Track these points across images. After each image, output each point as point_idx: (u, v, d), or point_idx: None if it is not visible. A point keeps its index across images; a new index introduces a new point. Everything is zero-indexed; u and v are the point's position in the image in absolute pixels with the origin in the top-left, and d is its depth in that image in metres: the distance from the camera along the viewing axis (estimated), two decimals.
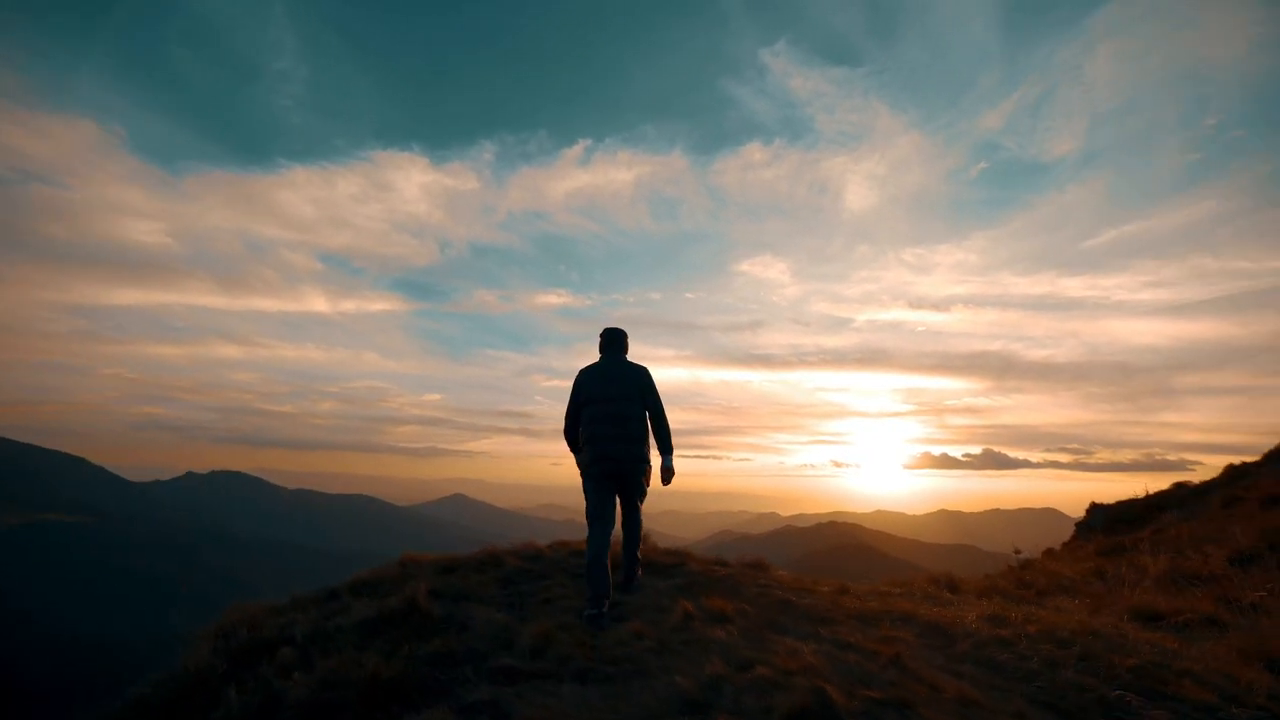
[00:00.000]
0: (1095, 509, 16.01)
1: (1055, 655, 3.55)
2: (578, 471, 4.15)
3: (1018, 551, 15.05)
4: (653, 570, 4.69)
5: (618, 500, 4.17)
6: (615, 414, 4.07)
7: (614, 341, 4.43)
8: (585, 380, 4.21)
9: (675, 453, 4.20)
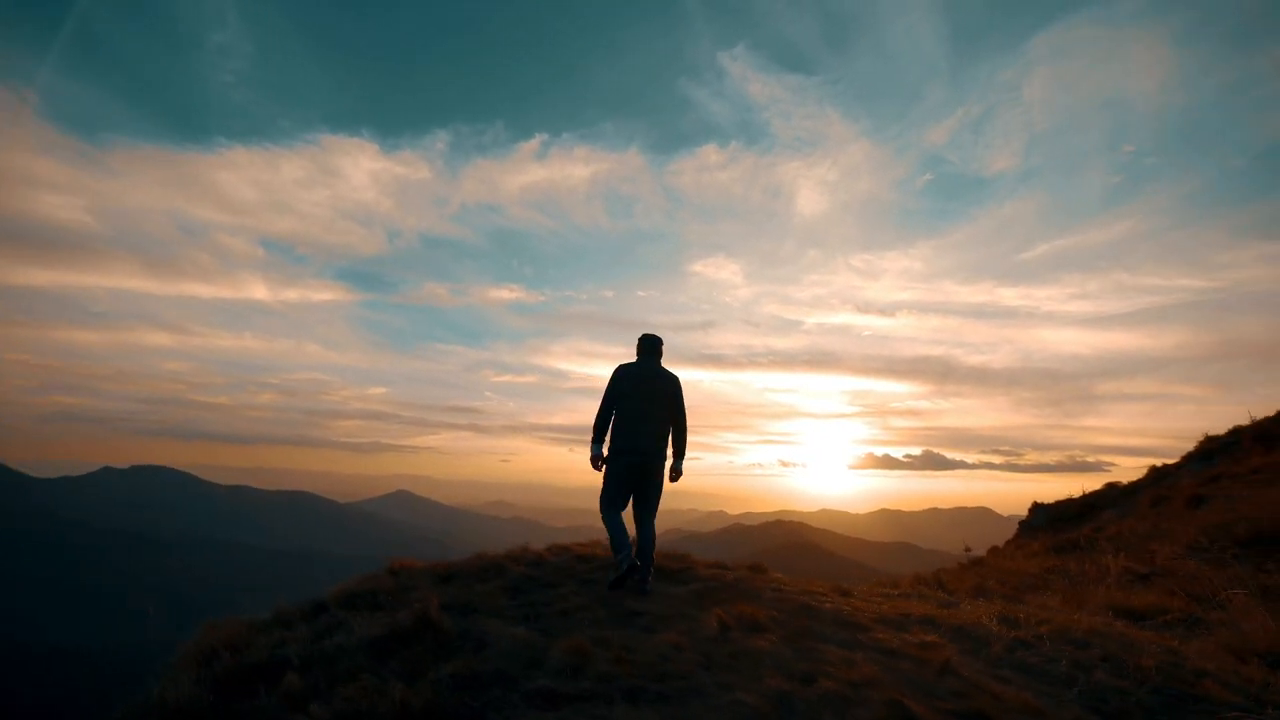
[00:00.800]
0: (1037, 508, 16.83)
1: (1079, 657, 3.53)
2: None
3: (968, 550, 15.65)
4: (661, 576, 4.43)
5: (631, 500, 4.40)
6: (647, 413, 4.38)
7: (654, 348, 4.69)
8: (624, 377, 4.47)
9: (686, 458, 4.55)
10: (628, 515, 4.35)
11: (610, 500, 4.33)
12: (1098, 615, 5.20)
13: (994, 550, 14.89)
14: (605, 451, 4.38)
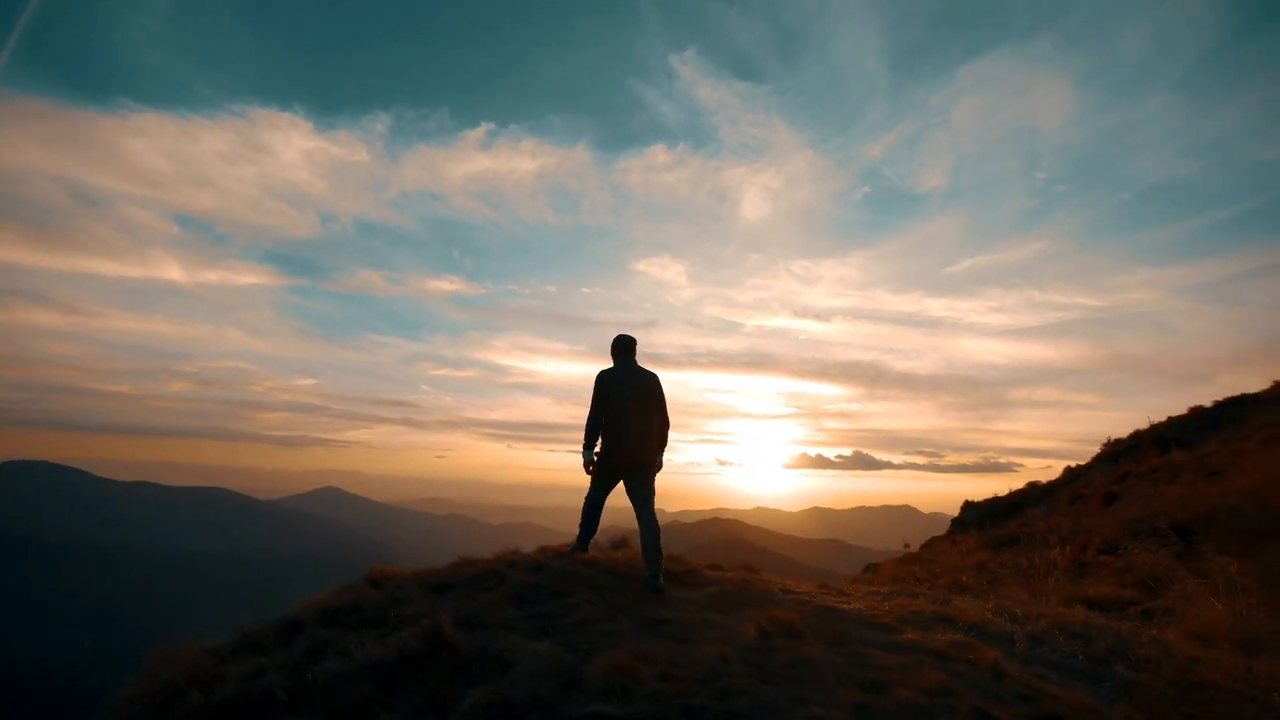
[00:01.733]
0: (969, 506, 17.76)
1: (1089, 651, 3.53)
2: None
3: (906, 546, 16.26)
4: (667, 579, 4.13)
5: (633, 503, 4.43)
6: (634, 413, 4.47)
7: (630, 348, 4.75)
8: (611, 382, 4.54)
9: (665, 451, 4.68)
10: (624, 512, 4.50)
11: (596, 504, 4.65)
12: (1069, 608, 5.38)
13: (929, 546, 15.58)
14: (594, 456, 4.48)
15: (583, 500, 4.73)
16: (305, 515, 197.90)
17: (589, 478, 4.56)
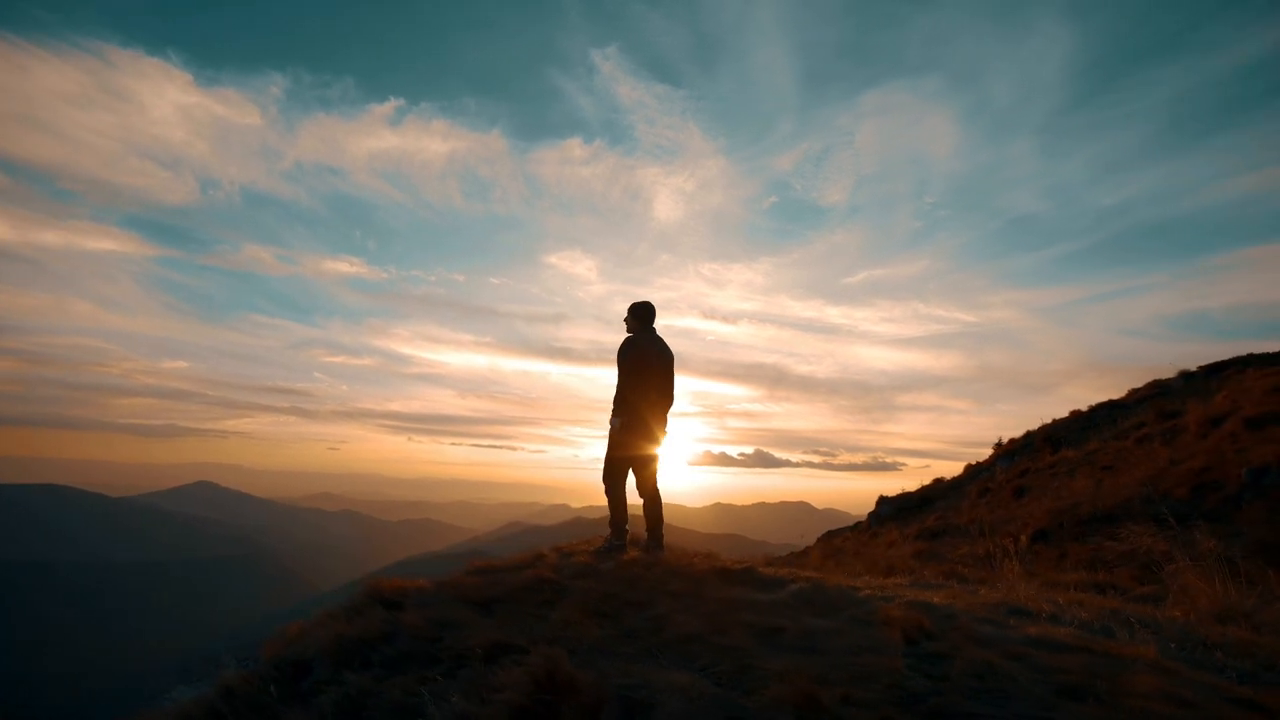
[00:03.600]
0: (883, 500, 18.68)
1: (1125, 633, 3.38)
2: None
3: (819, 540, 16.73)
4: (730, 579, 3.52)
5: (639, 476, 4.35)
6: (662, 387, 4.23)
7: (653, 315, 4.43)
8: (649, 351, 4.23)
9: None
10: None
11: (619, 474, 4.28)
12: (1065, 593, 5.43)
13: (849, 539, 16.18)
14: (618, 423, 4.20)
15: (604, 492, 4.32)
16: (169, 514, 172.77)
17: (622, 453, 4.20)
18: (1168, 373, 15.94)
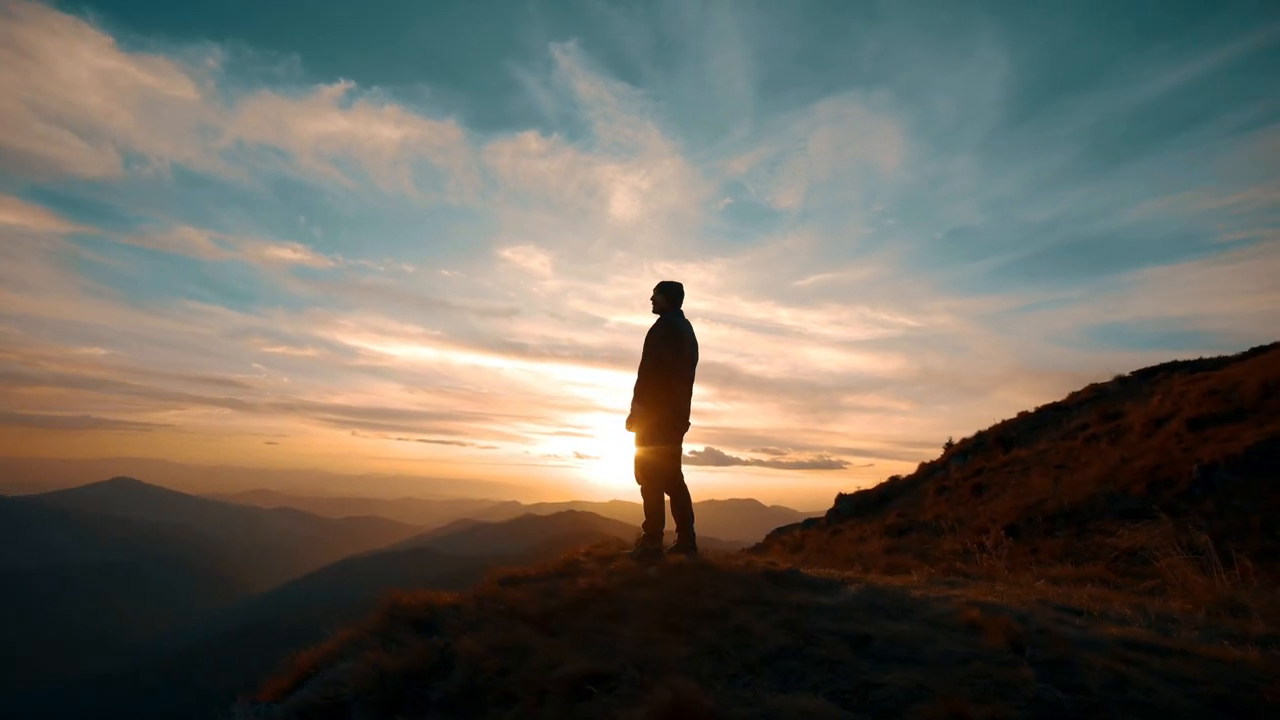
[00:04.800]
0: (842, 498, 18.98)
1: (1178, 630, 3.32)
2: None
3: (769, 537, 16.87)
4: (782, 583, 3.20)
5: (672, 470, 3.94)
6: (691, 377, 3.89)
7: (684, 296, 4.05)
8: (685, 334, 3.82)
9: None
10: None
11: (660, 470, 3.79)
12: (1075, 588, 5.43)
13: (809, 535, 16.32)
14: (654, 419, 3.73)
15: (654, 490, 3.87)
16: (81, 514, 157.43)
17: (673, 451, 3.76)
18: (1104, 377, 16.96)
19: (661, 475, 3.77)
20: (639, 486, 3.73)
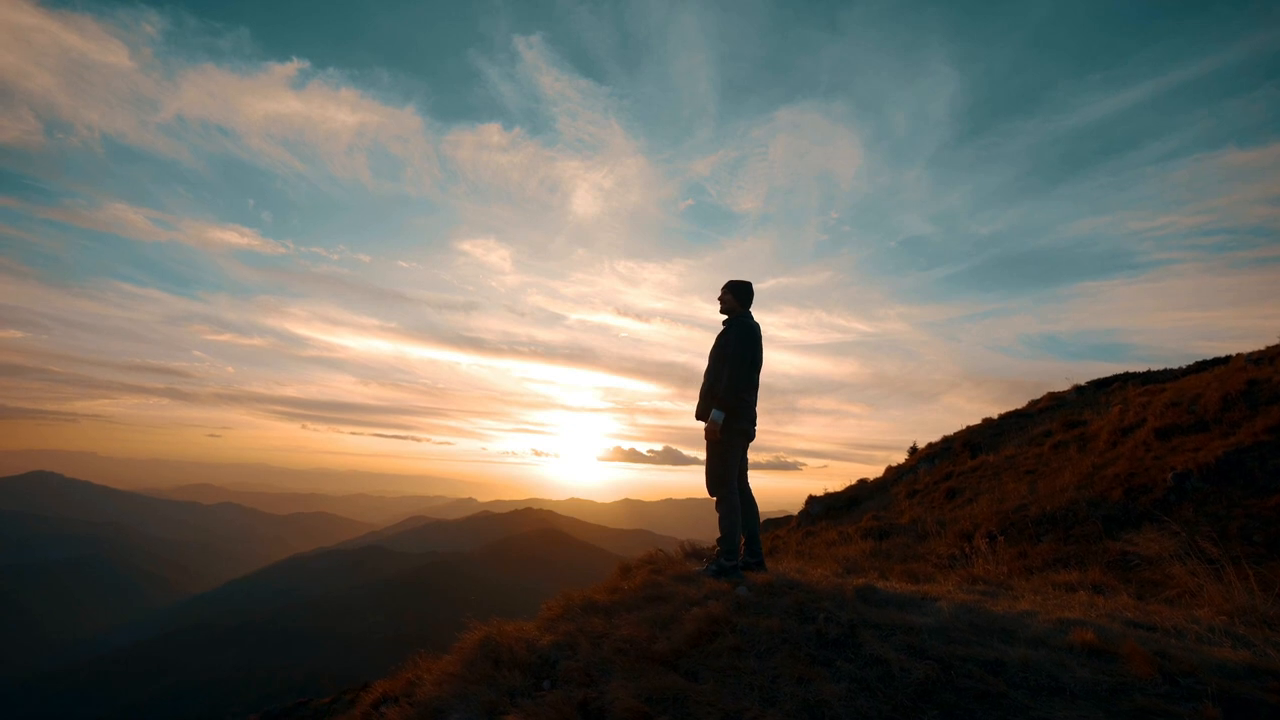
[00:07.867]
0: (813, 500, 19.07)
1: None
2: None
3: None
4: (869, 600, 2.88)
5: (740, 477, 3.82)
6: (756, 382, 3.80)
7: (753, 297, 3.89)
8: (758, 336, 3.67)
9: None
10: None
11: (731, 478, 3.58)
12: (1103, 598, 5.36)
13: (778, 536, 16.29)
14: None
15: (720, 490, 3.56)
16: None
17: (734, 453, 3.54)
18: (1055, 386, 17.67)
19: (725, 481, 3.53)
20: (713, 498, 3.37)
